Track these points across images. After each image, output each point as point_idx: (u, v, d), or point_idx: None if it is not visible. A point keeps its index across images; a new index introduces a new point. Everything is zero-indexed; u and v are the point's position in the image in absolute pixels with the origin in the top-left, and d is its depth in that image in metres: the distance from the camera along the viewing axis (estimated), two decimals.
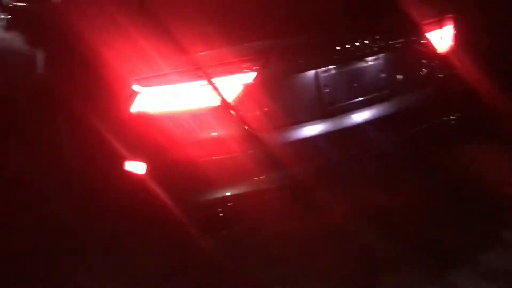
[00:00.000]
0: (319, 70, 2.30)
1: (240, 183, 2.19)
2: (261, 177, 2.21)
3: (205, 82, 2.11)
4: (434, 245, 2.47)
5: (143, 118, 2.15)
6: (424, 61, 2.64)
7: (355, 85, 2.42)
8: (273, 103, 2.22)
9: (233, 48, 2.13)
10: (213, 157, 2.15)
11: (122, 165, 2.24)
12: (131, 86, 2.12)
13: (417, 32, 2.57)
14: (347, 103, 2.40)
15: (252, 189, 2.19)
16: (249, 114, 2.18)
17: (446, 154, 3.04)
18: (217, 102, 2.14)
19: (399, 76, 2.56)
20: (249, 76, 2.15)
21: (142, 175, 2.19)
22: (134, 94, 2.12)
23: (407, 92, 2.57)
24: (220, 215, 2.22)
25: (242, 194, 2.18)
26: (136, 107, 2.14)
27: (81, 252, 2.52)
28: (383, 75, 2.49)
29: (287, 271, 2.32)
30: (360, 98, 2.43)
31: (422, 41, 2.60)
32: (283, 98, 2.26)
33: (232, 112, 2.16)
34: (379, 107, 2.46)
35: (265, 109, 2.21)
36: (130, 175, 2.22)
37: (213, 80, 2.11)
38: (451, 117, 2.74)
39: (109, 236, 2.58)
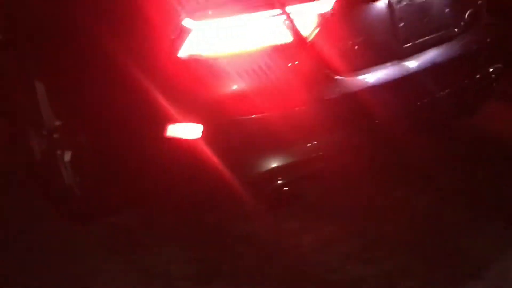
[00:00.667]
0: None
1: (321, 139, 1.74)
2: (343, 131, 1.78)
3: (276, 12, 1.63)
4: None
5: (195, 63, 1.62)
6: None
7: (425, 20, 2.05)
8: (352, 39, 1.80)
9: None
10: (289, 110, 1.68)
11: (166, 129, 1.70)
12: (180, 21, 1.58)
13: None
14: (419, 41, 2.03)
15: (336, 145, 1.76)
16: (327, 53, 1.73)
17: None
18: (291, 37, 1.67)
19: (458, 14, 2.23)
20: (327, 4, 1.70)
21: (195, 139, 1.68)
22: (184, 31, 1.59)
23: (467, 32, 2.24)
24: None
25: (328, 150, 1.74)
26: (187, 49, 1.61)
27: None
28: (447, 10, 2.15)
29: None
30: (432, 35, 2.07)
31: None
32: (362, 33, 1.83)
33: (309, 50, 1.69)
34: (448, 46, 2.12)
35: (345, 46, 1.78)
36: (178, 141, 1.69)
37: (286, 9, 1.63)
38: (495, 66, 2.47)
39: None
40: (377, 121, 1.85)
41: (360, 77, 1.82)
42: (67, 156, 2.33)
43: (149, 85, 1.68)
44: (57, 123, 2.33)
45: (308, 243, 2.08)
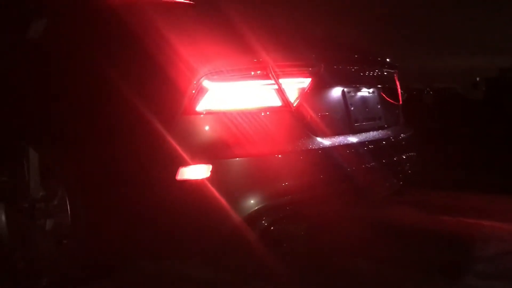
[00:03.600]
0: (346, 89, 2.52)
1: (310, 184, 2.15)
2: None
3: (270, 82, 2.14)
4: None
5: (211, 116, 2.03)
6: (395, 103, 3.06)
7: (367, 110, 2.68)
8: (321, 112, 2.33)
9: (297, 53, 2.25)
10: (274, 156, 2.10)
11: (179, 171, 2.01)
12: (200, 81, 2.02)
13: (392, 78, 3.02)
14: (364, 123, 2.62)
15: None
16: (306, 117, 2.24)
17: None
18: (281, 102, 2.16)
19: (386, 112, 2.90)
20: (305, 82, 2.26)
21: (206, 178, 2.00)
22: (202, 90, 2.02)
23: (392, 127, 2.91)
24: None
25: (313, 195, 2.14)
26: (204, 104, 2.03)
27: None
28: (379, 107, 2.82)
29: None
30: (371, 122, 2.68)
31: (394, 86, 3.05)
32: (327, 108, 2.38)
33: (293, 113, 2.19)
34: (381, 132, 2.74)
35: (317, 115, 2.30)
36: (190, 182, 2.00)
37: (279, 80, 2.15)
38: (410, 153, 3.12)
39: None
40: (338, 172, 2.30)
41: (327, 140, 2.31)
42: (49, 224, 2.44)
43: (165, 135, 2.02)
44: (42, 193, 2.48)
45: None
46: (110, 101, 2.17)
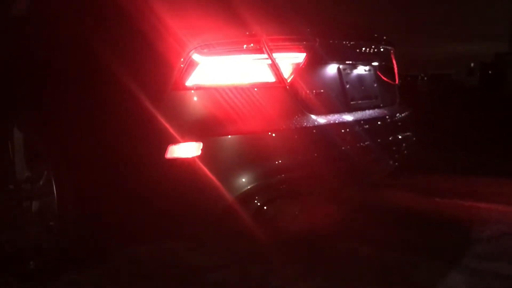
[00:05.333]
0: (341, 66, 2.44)
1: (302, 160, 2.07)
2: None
3: (264, 56, 2.05)
4: None
5: (201, 92, 1.94)
6: (392, 82, 2.99)
7: (363, 88, 2.60)
8: (316, 89, 2.25)
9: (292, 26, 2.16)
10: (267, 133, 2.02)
11: (169, 149, 1.93)
12: (190, 55, 1.93)
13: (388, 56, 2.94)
14: (360, 102, 2.54)
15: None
16: (300, 94, 2.16)
17: None
18: (274, 77, 2.08)
19: (383, 91, 2.83)
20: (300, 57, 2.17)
21: (196, 157, 1.92)
22: (192, 64, 1.93)
23: (389, 106, 2.84)
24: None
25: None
26: (193, 79, 1.94)
27: None
28: (375, 86, 2.74)
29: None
30: (367, 100, 2.61)
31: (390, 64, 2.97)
32: (323, 85, 2.30)
33: (287, 90, 2.11)
34: (377, 111, 2.66)
35: (312, 92, 2.22)
36: (180, 160, 1.92)
37: (273, 55, 2.06)
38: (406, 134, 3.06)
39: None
40: (332, 151, 2.23)
41: (322, 118, 2.23)
42: (35, 206, 2.37)
43: (157, 110, 1.93)
44: (28, 174, 2.40)
45: None
46: (97, 77, 2.08)
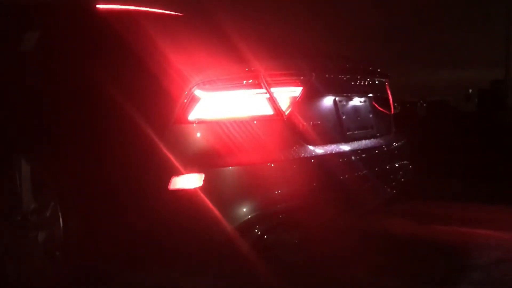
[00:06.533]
0: (337, 98, 2.53)
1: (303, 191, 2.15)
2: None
3: (262, 91, 2.15)
4: None
5: (203, 125, 2.03)
6: (387, 112, 3.08)
7: (359, 119, 2.69)
8: (314, 121, 2.34)
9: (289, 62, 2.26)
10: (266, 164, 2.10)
11: (172, 180, 2.01)
12: (192, 90, 2.03)
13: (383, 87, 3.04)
14: (356, 132, 2.63)
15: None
16: (298, 126, 2.25)
17: None
18: (273, 110, 2.17)
19: (378, 122, 2.91)
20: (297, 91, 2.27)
21: (198, 188, 2.00)
22: (194, 99, 2.03)
23: (384, 135, 2.92)
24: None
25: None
26: (196, 113, 2.03)
27: None
28: (371, 116, 2.83)
29: None
30: (363, 131, 2.69)
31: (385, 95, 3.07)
32: (320, 117, 2.40)
33: (285, 122, 2.20)
34: (373, 141, 2.75)
35: (309, 124, 2.31)
36: (183, 191, 2.00)
37: (271, 89, 2.16)
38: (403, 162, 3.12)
39: None
40: (330, 181, 2.31)
41: (320, 149, 2.32)
42: (41, 237, 2.43)
43: (161, 143, 2.02)
44: (34, 205, 2.47)
45: None
46: (103, 110, 2.18)
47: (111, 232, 2.15)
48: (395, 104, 3.28)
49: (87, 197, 2.18)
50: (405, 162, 2.95)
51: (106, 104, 2.14)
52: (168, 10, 3.06)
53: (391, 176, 2.83)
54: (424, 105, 23.80)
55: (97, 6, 2.58)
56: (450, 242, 3.25)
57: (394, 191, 2.87)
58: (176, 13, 3.06)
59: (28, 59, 2.62)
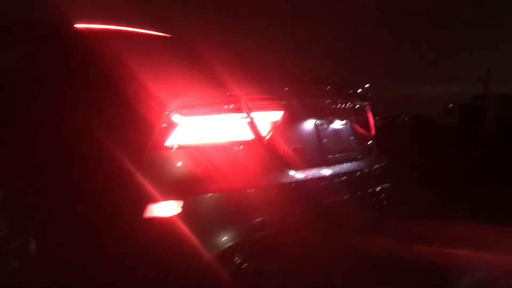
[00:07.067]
0: (318, 121, 2.51)
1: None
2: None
3: (242, 115, 2.12)
4: None
5: (181, 151, 1.99)
6: (368, 134, 3.07)
7: (339, 142, 2.67)
8: (295, 145, 2.32)
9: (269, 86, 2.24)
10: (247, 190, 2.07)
11: (148, 208, 1.96)
12: (170, 115, 1.99)
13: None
14: (337, 155, 2.61)
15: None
16: (279, 151, 2.22)
17: None
18: (253, 135, 2.14)
19: (359, 144, 2.90)
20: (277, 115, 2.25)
21: (176, 215, 1.95)
22: (172, 124, 1.99)
23: (365, 158, 2.91)
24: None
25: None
26: (174, 139, 1.99)
27: None
28: (351, 139, 2.82)
29: None
30: (343, 153, 2.68)
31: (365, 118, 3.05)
32: (300, 142, 2.37)
33: (265, 147, 2.17)
34: (354, 164, 2.73)
35: (290, 149, 2.28)
36: (159, 219, 1.95)
37: (252, 114, 2.13)
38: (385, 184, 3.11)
39: None
40: (312, 205, 2.28)
41: (301, 173, 2.29)
42: (14, 265, 2.35)
43: (134, 171, 1.97)
44: (7, 231, 2.39)
45: None
46: (78, 135, 2.12)
47: (85, 262, 2.08)
48: (377, 118, 3.28)
49: (62, 226, 2.12)
50: (387, 184, 2.94)
51: (81, 128, 2.09)
52: (151, 30, 3.01)
53: (374, 199, 2.81)
54: (406, 119, 24.02)
55: (75, 25, 2.54)
56: (432, 264, 3.24)
57: (376, 214, 2.86)
58: (161, 34, 3.02)
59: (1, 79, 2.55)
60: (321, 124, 2.53)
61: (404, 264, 3.22)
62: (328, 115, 2.58)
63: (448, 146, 9.63)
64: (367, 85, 3.15)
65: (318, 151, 2.47)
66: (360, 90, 2.95)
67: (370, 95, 3.12)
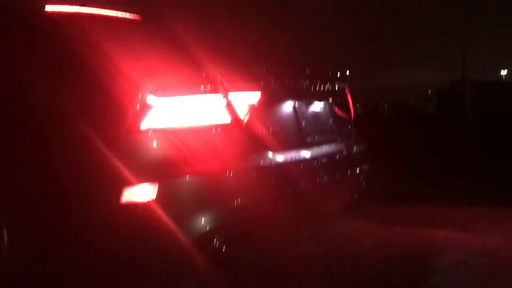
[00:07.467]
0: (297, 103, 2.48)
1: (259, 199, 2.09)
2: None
3: (220, 96, 2.07)
4: None
5: (156, 134, 1.94)
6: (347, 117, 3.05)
7: (318, 124, 2.65)
8: (273, 127, 2.28)
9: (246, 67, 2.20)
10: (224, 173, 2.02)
11: (124, 193, 1.91)
12: (144, 97, 1.94)
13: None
14: (316, 137, 2.59)
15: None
16: (256, 133, 2.19)
17: None
18: (230, 117, 2.10)
19: (338, 127, 2.88)
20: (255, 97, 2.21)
21: (152, 200, 1.91)
22: (146, 106, 1.93)
23: (345, 140, 2.89)
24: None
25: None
26: (148, 121, 1.94)
27: None
28: (331, 122, 2.80)
29: None
30: (322, 136, 2.65)
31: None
32: (279, 123, 2.34)
33: (243, 129, 2.13)
34: (334, 146, 2.72)
35: (268, 131, 2.25)
36: (135, 204, 1.90)
37: (228, 95, 2.09)
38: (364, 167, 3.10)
39: None
40: (291, 188, 2.25)
41: (279, 155, 2.26)
42: None
43: (108, 154, 1.91)
44: None
45: None
46: (50, 120, 2.05)
47: (60, 251, 2.02)
48: (358, 105, 3.26)
49: (34, 214, 2.05)
50: (365, 166, 2.93)
51: (53, 112, 2.02)
52: (125, 12, 2.93)
53: (352, 181, 2.80)
54: (386, 106, 24.25)
55: (46, 8, 2.45)
56: (411, 246, 3.26)
57: (356, 196, 2.85)
58: (132, 17, 2.94)
59: None
60: (300, 106, 2.50)
61: (383, 247, 3.23)
62: (306, 97, 2.55)
63: (427, 132, 9.71)
64: (347, 72, 3.11)
65: (297, 133, 2.45)
66: (339, 72, 2.92)
67: (348, 79, 3.10)
